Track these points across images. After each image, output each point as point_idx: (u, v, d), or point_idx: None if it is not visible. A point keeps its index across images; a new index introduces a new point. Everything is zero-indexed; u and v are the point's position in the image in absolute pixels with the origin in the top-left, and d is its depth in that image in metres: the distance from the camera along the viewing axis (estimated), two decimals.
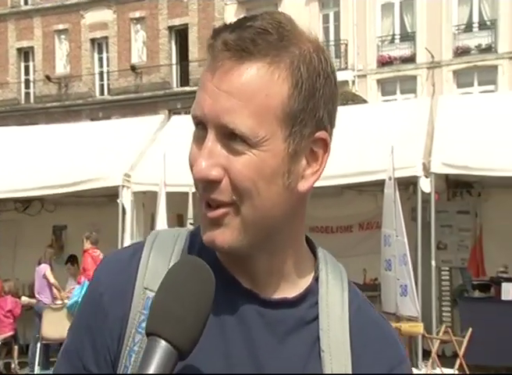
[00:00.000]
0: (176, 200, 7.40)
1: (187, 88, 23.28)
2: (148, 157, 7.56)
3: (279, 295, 0.80)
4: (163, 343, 0.68)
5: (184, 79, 23.70)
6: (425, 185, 6.59)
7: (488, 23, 19.53)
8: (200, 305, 0.71)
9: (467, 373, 6.61)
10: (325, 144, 0.78)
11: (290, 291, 0.81)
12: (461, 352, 6.59)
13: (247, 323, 0.78)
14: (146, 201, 7.55)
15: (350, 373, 0.78)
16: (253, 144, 0.73)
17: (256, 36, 0.73)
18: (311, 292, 0.82)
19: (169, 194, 6.92)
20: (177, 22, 24.01)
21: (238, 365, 0.77)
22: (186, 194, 6.95)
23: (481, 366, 6.94)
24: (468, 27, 19.76)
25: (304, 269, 0.83)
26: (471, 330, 6.64)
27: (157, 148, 7.51)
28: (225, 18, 23.03)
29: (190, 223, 6.47)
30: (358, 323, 0.81)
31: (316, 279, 0.83)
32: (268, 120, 0.73)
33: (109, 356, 0.79)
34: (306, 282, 0.82)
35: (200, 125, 0.76)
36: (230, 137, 0.73)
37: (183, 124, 8.50)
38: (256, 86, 0.73)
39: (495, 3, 19.22)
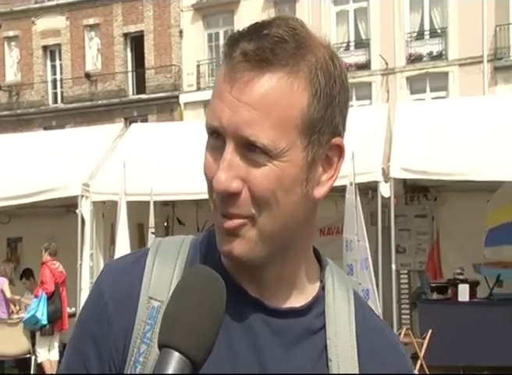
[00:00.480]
0: (136, 209, 7.30)
1: (144, 96, 23.08)
2: (108, 166, 7.44)
3: (286, 304, 0.80)
4: (177, 355, 0.66)
5: (140, 86, 23.47)
6: (385, 190, 6.69)
7: (438, 30, 20.06)
8: (213, 316, 0.69)
9: (428, 373, 6.74)
10: (341, 150, 0.79)
11: (297, 299, 0.81)
12: (422, 354, 6.71)
13: (254, 332, 0.78)
14: (105, 210, 7.42)
15: None
16: (273, 156, 0.73)
17: (274, 45, 0.72)
18: (318, 301, 0.82)
19: (129, 204, 6.82)
20: (132, 29, 23.78)
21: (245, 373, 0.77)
22: (147, 203, 6.87)
23: (439, 367, 7.08)
24: (420, 35, 20.24)
25: (311, 278, 0.83)
26: (430, 331, 6.77)
27: (116, 156, 7.40)
28: (181, 25, 22.95)
29: (152, 232, 6.40)
30: (365, 332, 0.82)
31: (322, 287, 0.83)
32: (289, 131, 0.73)
33: (114, 366, 0.78)
34: (313, 290, 0.82)
35: (216, 134, 0.75)
36: (250, 149, 0.73)
37: (143, 132, 8.43)
38: (277, 97, 0.72)
39: (444, 11, 19.77)
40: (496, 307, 7.20)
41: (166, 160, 7.30)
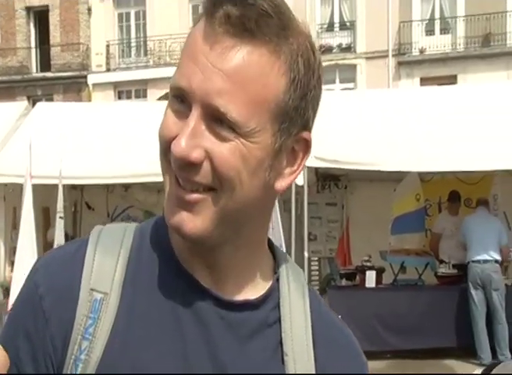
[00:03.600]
0: (41, 192, 6.94)
1: (49, 74, 22.00)
2: (10, 146, 7.01)
3: (240, 296, 0.77)
4: None
5: (45, 64, 22.36)
6: (299, 178, 6.77)
7: (347, 23, 20.61)
8: None
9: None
10: (307, 146, 0.77)
11: (251, 291, 0.78)
12: None
13: (206, 325, 0.74)
14: (7, 193, 7.01)
15: None
16: (241, 134, 0.69)
17: (259, 17, 0.68)
18: (273, 293, 0.79)
19: (34, 187, 6.47)
20: (36, 3, 22.55)
21: (198, 367, 0.72)
22: (52, 186, 6.53)
23: None
24: (330, 27, 20.72)
25: (265, 269, 0.81)
26: (340, 317, 6.95)
27: (20, 136, 6.98)
28: (89, 2, 22.06)
29: (60, 217, 6.10)
30: (320, 325, 0.80)
31: (277, 280, 0.80)
32: (261, 112, 0.70)
33: (52, 366, 0.71)
34: (267, 282, 0.79)
35: (181, 98, 0.69)
36: (217, 121, 0.68)
37: (50, 112, 8.00)
38: (255, 73, 0.68)
39: (353, 5, 20.34)
40: (399, 292, 7.52)
41: (75, 142, 6.99)
